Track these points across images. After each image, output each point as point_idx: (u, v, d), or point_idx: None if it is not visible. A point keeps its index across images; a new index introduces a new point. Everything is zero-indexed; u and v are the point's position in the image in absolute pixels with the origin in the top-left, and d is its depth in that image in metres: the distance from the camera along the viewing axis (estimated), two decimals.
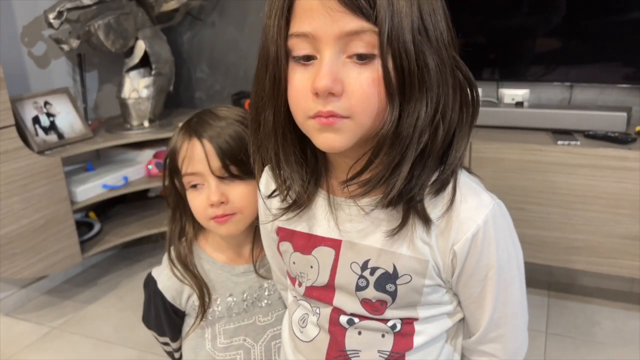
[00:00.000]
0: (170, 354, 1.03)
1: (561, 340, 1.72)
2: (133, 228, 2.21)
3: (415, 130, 0.56)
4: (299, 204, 0.68)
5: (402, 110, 0.56)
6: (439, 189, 0.62)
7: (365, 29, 0.54)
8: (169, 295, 0.92)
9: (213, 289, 0.92)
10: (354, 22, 0.54)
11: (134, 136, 2.14)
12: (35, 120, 1.95)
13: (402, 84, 0.55)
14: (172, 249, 0.93)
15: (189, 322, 0.95)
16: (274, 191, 0.71)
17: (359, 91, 0.55)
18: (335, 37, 0.54)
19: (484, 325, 0.69)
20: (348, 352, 0.69)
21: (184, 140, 0.85)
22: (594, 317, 1.82)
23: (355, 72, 0.55)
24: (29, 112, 1.94)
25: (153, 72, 2.17)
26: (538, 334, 1.74)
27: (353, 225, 0.66)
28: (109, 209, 2.34)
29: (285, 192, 0.68)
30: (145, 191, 2.45)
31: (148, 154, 2.27)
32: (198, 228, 0.94)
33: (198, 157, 0.83)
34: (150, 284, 0.94)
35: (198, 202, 0.85)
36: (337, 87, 0.55)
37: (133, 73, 2.19)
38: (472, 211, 0.62)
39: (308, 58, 0.57)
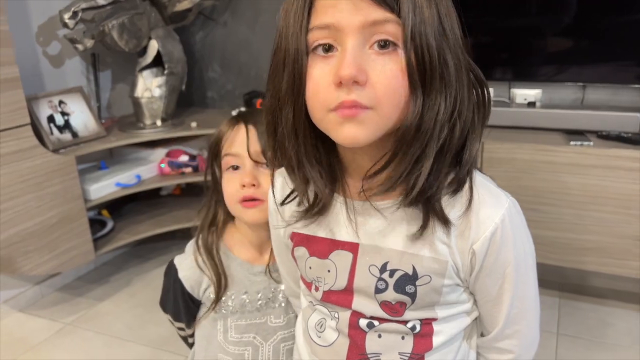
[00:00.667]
0: (184, 338, 1.06)
1: (572, 341, 1.71)
2: (145, 226, 2.23)
3: (436, 125, 0.56)
4: (318, 207, 0.67)
5: (424, 104, 0.56)
6: (455, 189, 0.62)
7: (389, 19, 0.54)
8: (187, 284, 0.95)
9: (230, 283, 0.94)
10: (377, 12, 0.54)
11: (147, 135, 2.16)
12: (50, 119, 1.97)
13: (423, 77, 0.56)
14: (200, 236, 0.96)
15: (204, 310, 0.97)
16: (291, 193, 0.70)
17: (384, 81, 0.55)
18: (359, 26, 0.54)
19: (501, 322, 0.69)
20: (369, 355, 0.69)
21: (231, 125, 0.90)
22: (606, 318, 1.81)
23: (380, 63, 0.55)
24: (44, 111, 1.97)
25: (166, 72, 2.19)
26: (549, 335, 1.73)
27: (371, 228, 0.66)
28: (122, 207, 2.36)
29: (303, 193, 0.68)
30: (158, 190, 2.47)
31: (160, 152, 2.29)
32: (225, 222, 0.96)
33: (240, 139, 0.87)
34: (171, 271, 0.96)
35: (231, 183, 0.88)
36: (362, 76, 0.54)
37: (146, 72, 2.21)
38: (489, 210, 0.63)
39: (328, 50, 0.57)
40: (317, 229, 0.70)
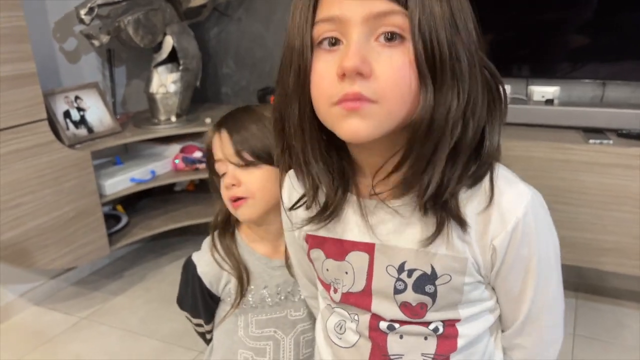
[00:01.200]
0: (202, 335, 1.06)
1: (589, 342, 1.69)
2: (160, 221, 2.24)
3: (448, 121, 0.55)
4: (328, 210, 0.66)
5: (435, 99, 0.54)
6: (473, 182, 0.60)
7: (395, 10, 0.53)
8: (206, 280, 0.95)
9: (250, 278, 0.94)
10: (383, 4, 0.53)
11: (162, 131, 2.16)
12: (66, 114, 1.99)
13: (433, 70, 0.54)
14: (215, 234, 0.97)
15: (223, 307, 0.98)
16: (301, 198, 0.69)
17: (390, 73, 0.53)
18: (364, 18, 0.53)
19: (521, 318, 0.68)
20: (391, 357, 0.68)
21: (212, 132, 0.93)
22: (624, 320, 1.79)
23: (385, 54, 0.54)
24: (60, 106, 1.98)
25: (180, 68, 2.20)
26: (565, 336, 1.70)
27: (386, 227, 0.65)
28: (136, 202, 2.37)
29: (313, 196, 0.66)
30: (172, 185, 2.48)
31: (175, 148, 2.30)
32: None
33: (217, 146, 0.91)
34: (189, 267, 0.97)
35: (222, 187, 0.92)
36: (366, 67, 0.53)
37: (161, 68, 2.21)
38: (511, 204, 0.61)
39: (334, 43, 0.56)
40: (331, 231, 0.69)
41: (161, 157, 2.29)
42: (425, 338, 0.66)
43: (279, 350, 0.95)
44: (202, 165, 2.24)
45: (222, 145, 0.89)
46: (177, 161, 2.25)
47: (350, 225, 0.67)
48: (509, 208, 0.61)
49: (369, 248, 0.66)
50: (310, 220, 0.68)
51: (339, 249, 0.68)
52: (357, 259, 0.67)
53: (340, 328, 0.72)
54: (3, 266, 1.92)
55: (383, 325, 0.67)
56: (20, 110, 1.67)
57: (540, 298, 0.66)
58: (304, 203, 0.69)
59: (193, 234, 2.34)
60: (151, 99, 2.22)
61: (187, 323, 1.05)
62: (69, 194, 1.85)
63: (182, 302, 1.01)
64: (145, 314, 1.99)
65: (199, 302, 0.97)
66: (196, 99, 2.41)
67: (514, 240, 0.61)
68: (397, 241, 0.64)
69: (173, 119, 2.23)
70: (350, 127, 0.55)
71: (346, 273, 0.68)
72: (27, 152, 1.70)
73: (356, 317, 0.70)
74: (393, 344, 0.67)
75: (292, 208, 0.71)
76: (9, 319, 2.00)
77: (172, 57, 2.20)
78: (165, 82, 2.21)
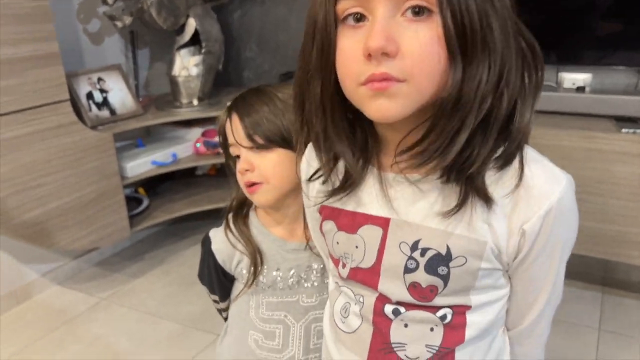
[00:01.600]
0: (219, 311, 1.07)
1: (614, 338, 1.64)
2: (180, 205, 2.25)
3: (476, 96, 0.52)
4: (347, 182, 0.64)
5: (464, 74, 0.52)
6: (502, 164, 0.57)
7: None
8: (220, 257, 0.96)
9: (264, 260, 0.94)
10: None
11: (183, 114, 2.16)
12: (89, 95, 1.99)
13: (463, 44, 0.51)
14: (230, 214, 0.97)
15: (237, 286, 0.98)
16: (317, 171, 0.68)
17: (417, 50, 0.51)
18: None
19: (535, 314, 0.65)
20: (393, 345, 0.65)
21: (224, 116, 0.92)
22: None
23: (412, 30, 0.51)
24: (83, 87, 1.98)
25: (203, 51, 2.18)
26: (590, 331, 1.67)
27: (404, 201, 0.62)
28: (158, 185, 2.38)
29: (329, 172, 0.65)
30: (193, 169, 2.48)
31: (197, 132, 2.29)
32: None
33: (229, 130, 0.89)
34: (206, 242, 0.98)
35: (237, 172, 0.90)
36: (391, 46, 0.51)
37: (183, 51, 2.20)
38: (544, 187, 0.58)
39: (359, 19, 0.54)
40: (346, 203, 0.67)
41: (183, 140, 2.29)
42: (432, 329, 0.64)
43: (289, 335, 0.93)
44: None
45: (234, 129, 0.88)
46: (198, 145, 2.25)
47: (367, 198, 0.65)
48: (542, 192, 0.58)
49: (383, 222, 0.64)
50: (328, 192, 0.66)
51: (352, 222, 0.66)
52: (370, 233, 0.65)
53: (345, 311, 0.70)
54: (26, 246, 1.95)
55: (388, 309, 0.65)
56: (43, 90, 1.67)
57: (555, 289, 0.64)
58: (320, 176, 0.68)
59: (213, 218, 2.32)
60: (173, 81, 2.21)
61: (206, 306, 1.06)
62: (91, 175, 1.86)
63: (201, 276, 1.02)
64: (164, 297, 2.00)
65: (214, 277, 0.98)
66: (218, 82, 2.40)
67: (546, 225, 0.58)
68: (415, 216, 0.61)
69: (195, 102, 2.23)
70: (379, 108, 0.54)
71: (356, 247, 0.66)
72: (49, 132, 1.71)
73: (361, 299, 0.67)
74: (397, 331, 0.65)
75: (310, 179, 0.70)
76: (31, 297, 2.04)
77: (195, 40, 2.18)
78: (187, 65, 2.20)
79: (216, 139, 2.22)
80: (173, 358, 1.68)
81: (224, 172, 2.47)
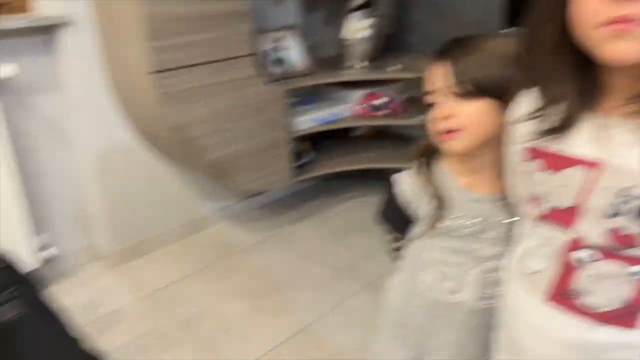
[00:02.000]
0: (393, 250, 1.12)
1: None
2: (340, 162, 2.36)
3: None
4: (565, 124, 0.64)
5: None
6: None
7: None
8: (405, 198, 0.99)
9: (448, 206, 0.95)
10: None
11: (350, 75, 2.25)
12: (268, 53, 2.16)
13: None
14: (421, 158, 0.99)
15: (417, 228, 1.00)
16: (536, 111, 0.68)
17: None
18: None
19: None
20: (578, 291, 0.65)
21: (436, 60, 0.91)
22: None
23: None
24: (263, 44, 2.16)
25: (375, 14, 2.23)
26: None
27: (622, 146, 0.61)
28: (320, 142, 2.51)
29: (549, 110, 0.65)
30: (354, 129, 2.57)
31: (360, 93, 2.37)
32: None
33: (436, 76, 0.89)
34: (392, 184, 1.02)
35: (431, 117, 0.91)
36: None
37: (355, 14, 2.27)
38: None
39: None
40: (554, 144, 0.66)
41: (347, 100, 2.38)
42: (622, 282, 0.62)
43: (463, 280, 0.95)
44: (387, 111, 2.28)
45: (444, 75, 0.87)
46: (362, 106, 2.33)
47: (580, 140, 0.64)
48: None
49: (593, 165, 0.62)
50: (542, 132, 0.67)
51: (559, 162, 0.66)
52: (576, 174, 0.64)
53: (531, 254, 0.71)
54: (204, 185, 2.22)
55: (579, 254, 0.64)
56: (233, 44, 1.86)
57: None
58: (536, 117, 0.68)
59: (369, 179, 2.44)
60: (343, 44, 2.30)
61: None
62: (264, 126, 2.04)
63: (384, 215, 1.06)
64: (319, 244, 2.15)
65: (397, 217, 1.02)
66: (387, 46, 2.43)
67: None
68: (631, 161, 0.60)
69: (362, 64, 2.30)
70: (618, 50, 0.54)
71: (560, 187, 0.66)
72: (236, 83, 1.90)
73: (553, 241, 0.68)
74: (582, 279, 0.64)
75: (521, 122, 0.71)
76: (202, 230, 2.32)
77: (368, 4, 2.24)
78: (358, 28, 2.27)
79: (379, 101, 2.30)
80: (322, 298, 1.83)
81: (384, 135, 2.54)
